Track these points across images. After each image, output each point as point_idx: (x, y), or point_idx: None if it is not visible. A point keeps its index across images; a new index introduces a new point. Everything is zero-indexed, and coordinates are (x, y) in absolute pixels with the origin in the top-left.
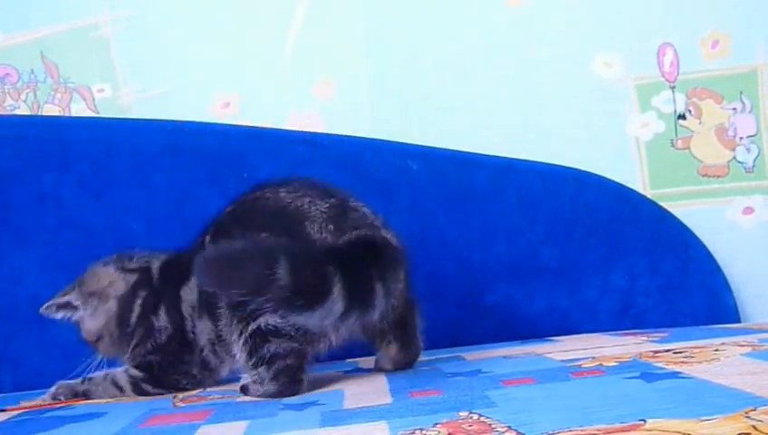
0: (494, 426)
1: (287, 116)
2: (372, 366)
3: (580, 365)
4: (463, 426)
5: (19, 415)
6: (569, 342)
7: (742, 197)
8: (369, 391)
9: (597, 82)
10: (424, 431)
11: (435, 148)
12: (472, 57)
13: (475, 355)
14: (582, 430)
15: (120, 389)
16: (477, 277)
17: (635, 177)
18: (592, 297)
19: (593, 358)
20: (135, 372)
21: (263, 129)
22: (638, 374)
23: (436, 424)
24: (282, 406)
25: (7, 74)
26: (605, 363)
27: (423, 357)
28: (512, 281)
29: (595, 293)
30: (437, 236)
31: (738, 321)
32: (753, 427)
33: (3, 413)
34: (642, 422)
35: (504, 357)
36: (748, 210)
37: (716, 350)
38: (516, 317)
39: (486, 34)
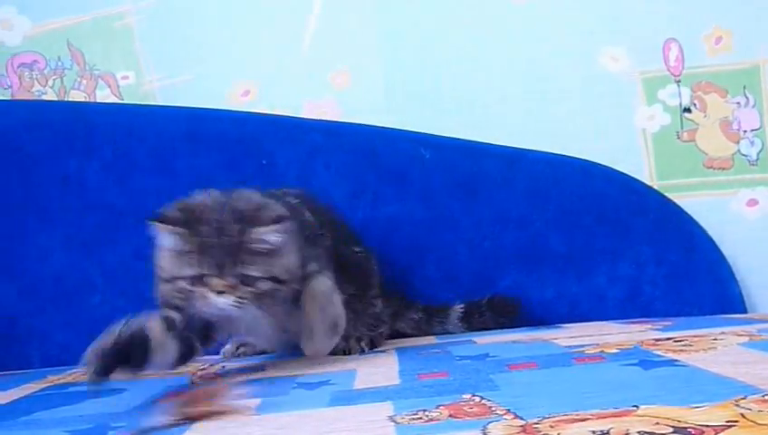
0: (493, 409)
1: (304, 104)
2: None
3: (583, 351)
4: (464, 408)
5: (42, 390)
6: (577, 329)
7: (746, 189)
8: (380, 372)
9: (604, 76)
10: (426, 412)
11: (447, 137)
12: (482, 49)
13: (485, 340)
14: (577, 415)
15: None
16: (488, 264)
17: (642, 168)
18: (601, 285)
19: (597, 345)
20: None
21: (280, 116)
22: (636, 362)
23: (439, 406)
24: (295, 385)
25: (35, 61)
26: (607, 350)
27: (436, 341)
28: (522, 268)
29: (603, 280)
30: (449, 223)
31: (744, 311)
32: (742, 415)
33: (28, 386)
34: (635, 408)
35: (513, 342)
36: (752, 202)
37: (715, 339)
38: (526, 303)
39: (496, 27)
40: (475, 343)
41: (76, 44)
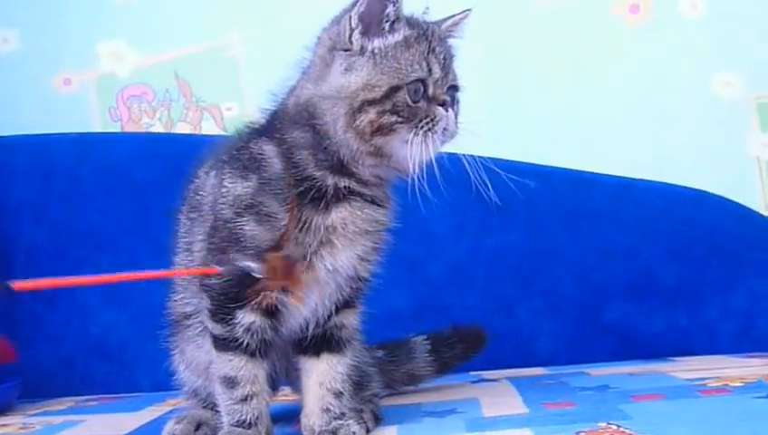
0: None
1: None
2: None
3: (705, 384)
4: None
5: (171, 411)
6: (691, 362)
7: None
8: (503, 401)
9: (717, 102)
10: None
11: (553, 166)
12: (589, 76)
13: (599, 371)
14: None
15: None
16: (594, 295)
17: (756, 197)
18: (712, 318)
19: (718, 378)
20: None
21: None
22: (765, 395)
23: (579, 432)
24: (423, 413)
25: (144, 93)
26: (731, 383)
27: (546, 371)
28: (630, 299)
29: (715, 313)
30: (555, 254)
31: None
32: None
33: (154, 409)
34: None
35: (629, 374)
36: None
37: None
38: (634, 335)
39: (607, 52)
40: (588, 374)
41: (183, 76)
